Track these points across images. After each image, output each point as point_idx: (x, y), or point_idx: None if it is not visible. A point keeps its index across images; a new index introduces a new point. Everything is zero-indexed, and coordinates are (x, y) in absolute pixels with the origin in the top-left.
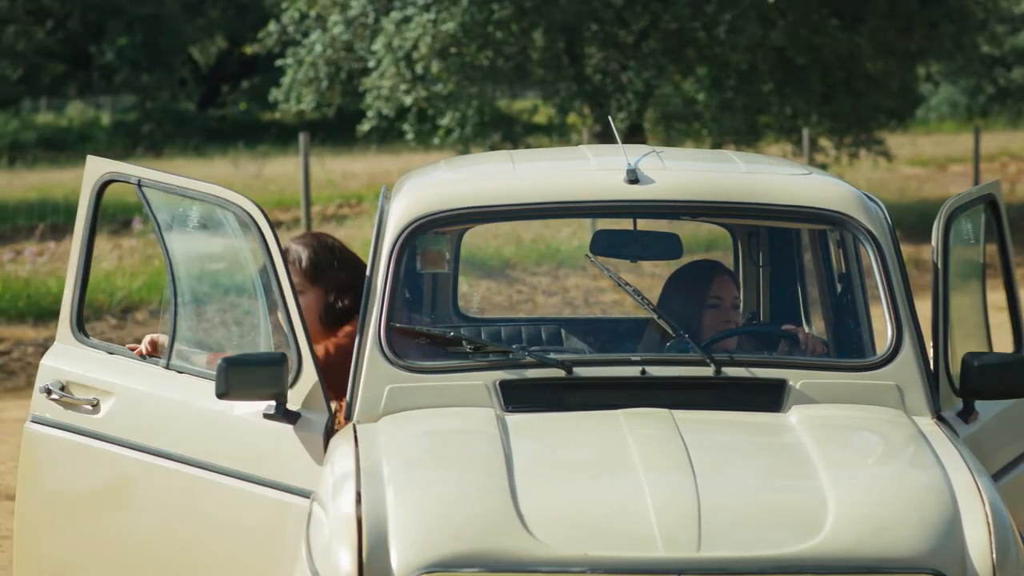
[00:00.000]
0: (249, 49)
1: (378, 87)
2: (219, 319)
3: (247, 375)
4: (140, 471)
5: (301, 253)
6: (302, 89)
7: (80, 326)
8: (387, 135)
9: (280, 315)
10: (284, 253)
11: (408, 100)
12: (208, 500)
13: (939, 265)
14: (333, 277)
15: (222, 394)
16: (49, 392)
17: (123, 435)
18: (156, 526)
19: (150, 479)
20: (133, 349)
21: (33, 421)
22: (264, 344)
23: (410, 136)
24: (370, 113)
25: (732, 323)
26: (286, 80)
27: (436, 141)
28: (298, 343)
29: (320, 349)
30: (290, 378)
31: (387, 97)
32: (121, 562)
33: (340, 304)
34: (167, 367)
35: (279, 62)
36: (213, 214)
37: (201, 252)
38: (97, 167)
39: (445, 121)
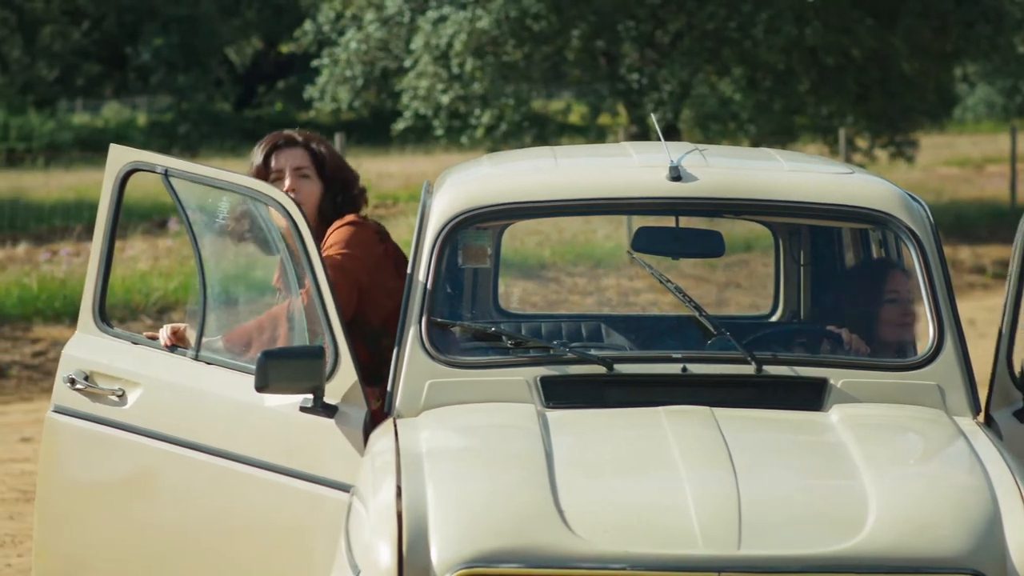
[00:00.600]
0: (285, 48)
1: (414, 87)
2: (248, 311)
3: (286, 368)
4: (169, 462)
5: (319, 145)
6: (337, 88)
7: (103, 315)
8: (423, 135)
9: (316, 308)
10: (298, 139)
11: (445, 99)
12: (239, 492)
13: (1016, 265)
14: (340, 176)
15: (261, 387)
16: (73, 382)
17: (152, 426)
18: (184, 517)
19: (179, 471)
20: (151, 339)
21: (55, 411)
22: (298, 338)
23: (439, 133)
24: (406, 113)
25: (909, 317)
26: (321, 79)
27: (464, 140)
28: (335, 336)
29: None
30: (327, 371)
31: (424, 96)
32: (146, 552)
33: (338, 200)
34: (196, 358)
35: (315, 62)
36: (244, 206)
37: (230, 244)
38: (120, 156)
39: (484, 120)
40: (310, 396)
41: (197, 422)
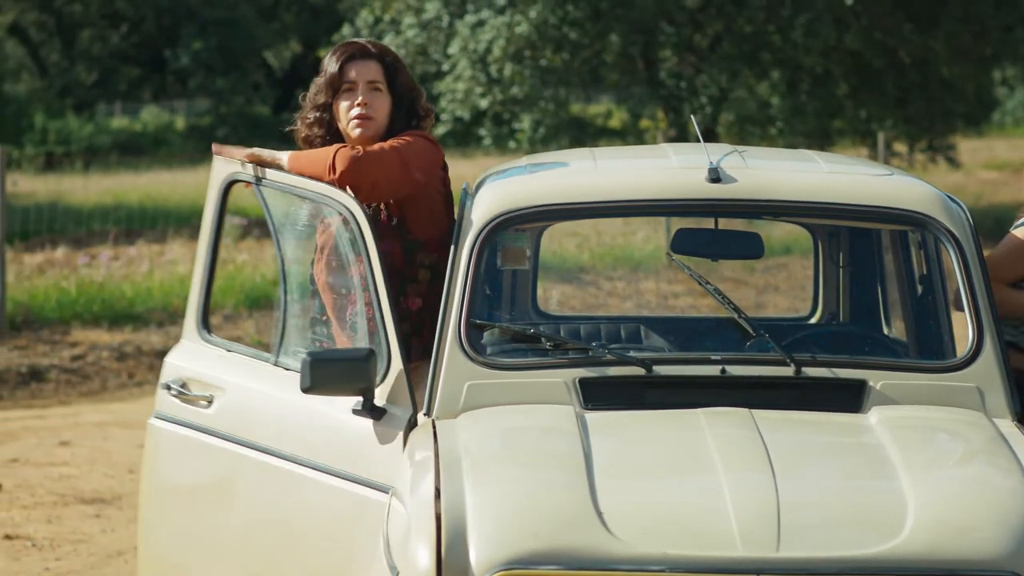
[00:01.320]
0: (324, 54)
1: (453, 90)
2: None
3: (330, 370)
4: (243, 466)
5: (392, 58)
6: None
7: (205, 324)
8: (462, 139)
9: (374, 312)
10: (372, 51)
11: (484, 103)
12: (303, 495)
13: None
14: (409, 91)
15: (307, 389)
16: (169, 388)
17: (228, 430)
18: (256, 521)
19: (251, 474)
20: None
21: (156, 417)
22: (361, 341)
23: (488, 142)
24: (444, 116)
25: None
26: None
27: (512, 145)
28: (388, 340)
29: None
30: (379, 374)
31: (462, 100)
32: (227, 556)
33: (412, 122)
34: (275, 364)
35: None
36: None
37: (308, 250)
38: (222, 168)
39: (524, 125)
40: (360, 399)
41: (268, 426)
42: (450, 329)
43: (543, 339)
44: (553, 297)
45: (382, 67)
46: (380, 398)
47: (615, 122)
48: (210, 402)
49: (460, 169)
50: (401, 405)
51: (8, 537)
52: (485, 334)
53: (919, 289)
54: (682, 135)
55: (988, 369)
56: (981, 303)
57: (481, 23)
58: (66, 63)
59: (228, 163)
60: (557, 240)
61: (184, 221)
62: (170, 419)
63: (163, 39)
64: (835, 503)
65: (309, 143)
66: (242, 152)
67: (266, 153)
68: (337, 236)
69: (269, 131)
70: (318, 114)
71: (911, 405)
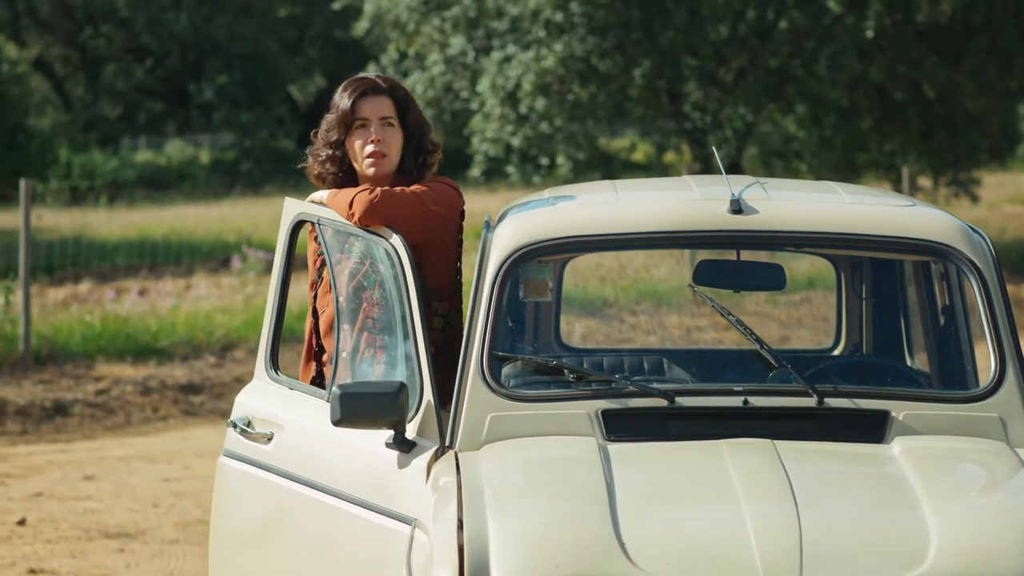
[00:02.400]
0: None
1: (482, 129)
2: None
3: (360, 403)
4: (294, 501)
5: (402, 93)
6: None
7: (274, 363)
8: (490, 174)
9: (410, 346)
10: (384, 87)
11: (516, 141)
12: (341, 530)
13: None
14: (419, 126)
15: (336, 421)
16: (235, 426)
17: (283, 466)
18: (304, 556)
19: (302, 509)
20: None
21: (224, 455)
22: (400, 374)
23: (514, 178)
24: (478, 157)
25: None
26: None
27: (536, 180)
28: (422, 375)
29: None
30: (411, 409)
31: (494, 139)
32: None
33: (419, 159)
34: (328, 400)
35: None
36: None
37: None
38: (292, 208)
39: (560, 160)
40: (391, 432)
41: (322, 464)
42: (472, 361)
43: (565, 371)
44: (576, 331)
45: (394, 102)
46: (411, 431)
47: (639, 156)
48: (269, 439)
49: (485, 203)
50: (430, 438)
51: (32, 572)
52: (508, 366)
53: (942, 320)
54: (707, 169)
55: (1011, 399)
56: (1003, 333)
57: (508, 59)
58: (91, 97)
59: (297, 203)
60: (580, 274)
61: (208, 255)
62: (236, 456)
63: (188, 73)
64: (857, 533)
65: (322, 180)
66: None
67: (317, 195)
68: (372, 269)
69: (293, 165)
70: (331, 151)
71: (934, 435)
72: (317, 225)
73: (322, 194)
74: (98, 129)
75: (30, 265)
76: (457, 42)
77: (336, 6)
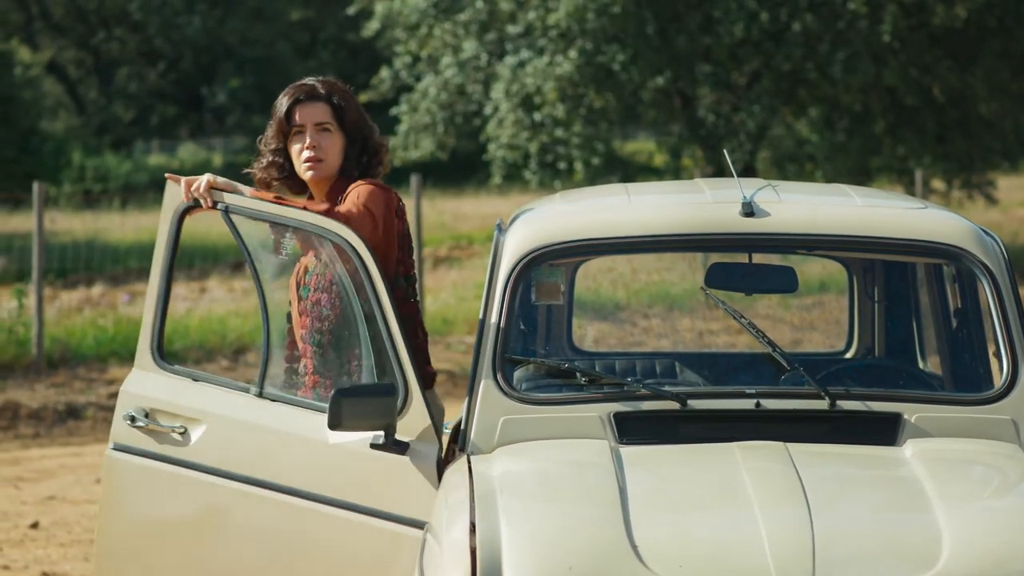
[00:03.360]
0: (364, 97)
1: (497, 136)
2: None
3: (360, 406)
4: (236, 500)
5: (341, 98)
6: (418, 135)
7: (161, 352)
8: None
9: (385, 344)
10: (321, 92)
11: (533, 147)
12: (311, 530)
13: None
14: (361, 129)
15: (335, 425)
16: (133, 420)
17: (218, 464)
18: (254, 555)
19: (248, 509)
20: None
21: (115, 449)
22: (367, 376)
23: (532, 184)
24: (496, 163)
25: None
26: (402, 128)
27: (558, 184)
28: (404, 373)
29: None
30: (398, 408)
31: (510, 145)
32: None
33: (363, 159)
34: (260, 395)
35: (393, 110)
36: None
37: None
38: (177, 192)
39: (578, 166)
40: (381, 433)
41: (266, 460)
42: (485, 364)
43: (578, 374)
44: (589, 334)
45: (330, 107)
46: (401, 432)
47: (656, 160)
48: (183, 433)
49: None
50: (426, 440)
51: (46, 575)
52: (520, 369)
53: (954, 323)
54: (720, 173)
55: (1023, 401)
56: (1016, 336)
57: (522, 64)
58: (104, 101)
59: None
60: (592, 277)
61: (221, 259)
62: (134, 451)
63: (200, 77)
64: (870, 536)
65: (266, 185)
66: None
67: (224, 182)
68: (329, 268)
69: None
70: (272, 157)
71: (946, 438)
72: (225, 214)
73: (239, 186)
74: (111, 132)
75: (43, 268)
76: (469, 45)
77: (351, 10)
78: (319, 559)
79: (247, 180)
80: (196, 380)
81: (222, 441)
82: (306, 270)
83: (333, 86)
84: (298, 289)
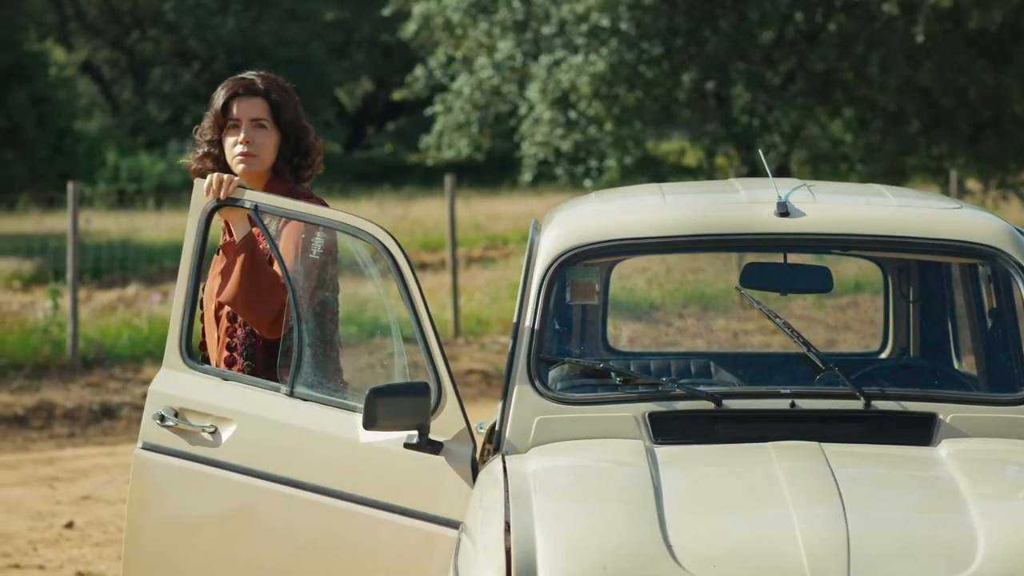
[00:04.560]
0: (398, 95)
1: (532, 134)
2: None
3: (394, 405)
4: (267, 500)
5: (280, 94)
6: (452, 135)
7: (189, 351)
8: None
9: (419, 344)
10: (259, 88)
11: (566, 145)
12: (342, 529)
13: None
14: (296, 128)
15: (369, 424)
16: (163, 419)
17: (248, 463)
18: (285, 554)
19: (278, 508)
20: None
21: (144, 448)
22: (399, 375)
23: (563, 180)
24: (528, 161)
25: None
26: (437, 127)
27: (588, 183)
28: (437, 372)
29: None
30: (432, 407)
31: (544, 143)
32: None
33: (293, 160)
34: (291, 395)
35: (428, 110)
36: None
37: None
38: (204, 193)
39: (610, 163)
40: (415, 433)
41: (297, 459)
42: (519, 364)
43: (612, 374)
44: (623, 334)
45: (267, 104)
46: (435, 432)
47: (690, 160)
48: (213, 433)
49: (531, 207)
50: (460, 440)
51: (81, 574)
52: (554, 369)
53: (989, 322)
54: (754, 173)
55: None
56: None
57: (557, 63)
58: (138, 101)
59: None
60: (627, 277)
61: None
62: (163, 450)
63: None
64: (905, 536)
65: (200, 175)
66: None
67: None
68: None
69: (340, 169)
70: (207, 148)
71: (981, 438)
72: (255, 212)
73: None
74: (145, 132)
75: (78, 268)
76: (504, 45)
77: (386, 11)
78: (351, 559)
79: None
80: (226, 379)
81: (253, 440)
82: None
83: (273, 82)
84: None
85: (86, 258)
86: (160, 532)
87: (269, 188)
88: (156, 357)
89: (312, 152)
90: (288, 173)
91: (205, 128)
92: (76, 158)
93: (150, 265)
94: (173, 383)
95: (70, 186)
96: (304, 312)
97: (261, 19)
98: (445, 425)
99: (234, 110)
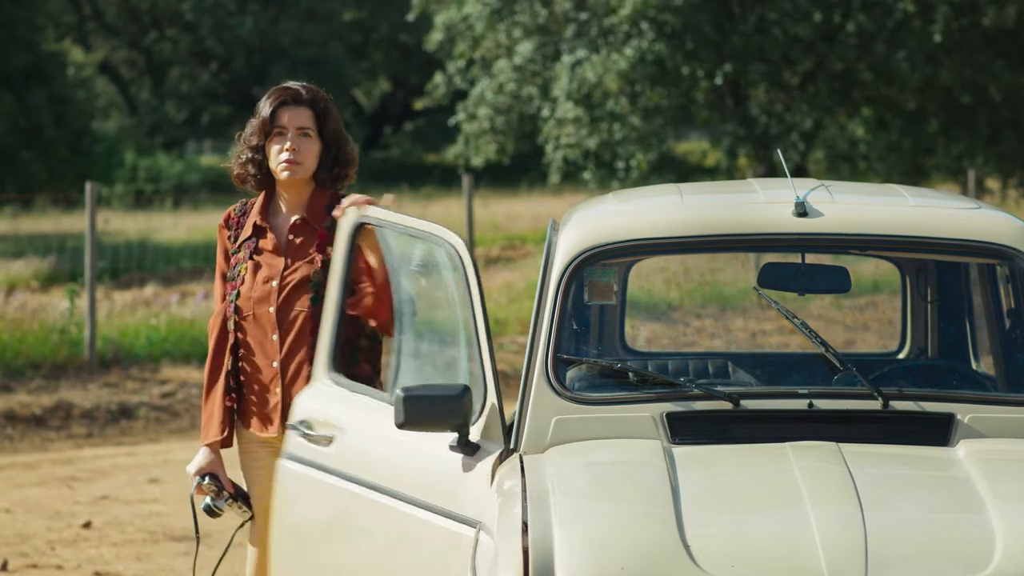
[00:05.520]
0: (420, 105)
1: (557, 136)
2: (431, 355)
3: (423, 406)
4: (356, 504)
5: (324, 105)
6: (479, 140)
7: (332, 365)
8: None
9: (473, 350)
10: (305, 97)
11: (592, 143)
12: (411, 534)
13: None
14: (338, 140)
15: (400, 424)
16: (296, 429)
17: (344, 469)
18: (372, 560)
19: (364, 512)
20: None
21: (284, 457)
22: (463, 378)
23: (593, 183)
24: (555, 164)
25: None
26: (462, 136)
27: (616, 185)
28: (486, 380)
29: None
30: (475, 412)
31: (571, 144)
32: None
33: (334, 170)
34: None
35: (452, 120)
36: (433, 252)
37: (419, 290)
38: (352, 210)
39: (639, 159)
40: (455, 435)
41: (378, 465)
42: (537, 364)
43: (630, 374)
44: (641, 334)
45: (313, 113)
46: (475, 434)
47: (710, 160)
48: (330, 441)
49: (549, 207)
50: (496, 441)
51: (98, 575)
52: (572, 369)
53: (1007, 323)
54: (771, 173)
55: None
56: None
57: (579, 62)
58: (156, 101)
59: (357, 210)
60: (645, 277)
61: None
62: (296, 459)
63: (252, 77)
64: (923, 536)
65: (242, 181)
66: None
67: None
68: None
69: (358, 169)
70: (251, 155)
71: (1000, 438)
72: (379, 228)
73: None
74: (163, 133)
75: (95, 268)
76: (524, 49)
77: (410, 17)
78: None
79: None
80: (353, 392)
81: (351, 448)
82: None
83: (317, 93)
84: None
85: (104, 258)
86: (293, 537)
87: (315, 197)
88: (174, 357)
89: (352, 163)
90: (329, 182)
91: (249, 135)
92: (94, 158)
93: (168, 265)
94: (315, 396)
95: (88, 186)
96: (405, 322)
97: (279, 19)
98: (489, 429)
99: (283, 118)
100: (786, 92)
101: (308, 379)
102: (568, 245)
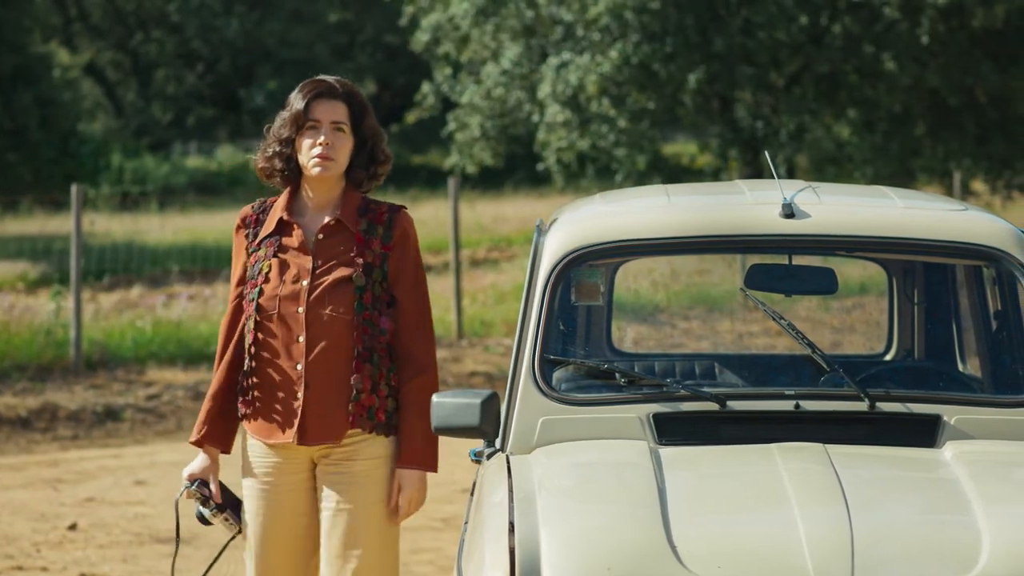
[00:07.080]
0: (412, 118)
1: (550, 142)
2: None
3: (450, 411)
4: None
5: (358, 100)
6: (472, 149)
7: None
8: (539, 179)
9: (511, 358)
10: (339, 91)
11: (584, 145)
12: None
13: None
14: (372, 134)
15: (436, 430)
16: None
17: None
18: None
19: None
20: None
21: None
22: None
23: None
24: (554, 169)
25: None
26: (456, 145)
27: (614, 187)
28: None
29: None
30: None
31: (566, 148)
32: None
33: (369, 169)
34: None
35: (444, 131)
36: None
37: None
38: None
39: (637, 160)
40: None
41: None
42: (524, 364)
43: (617, 375)
44: (628, 335)
45: (348, 108)
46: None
47: (701, 163)
48: None
49: (535, 208)
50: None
51: None
52: (559, 370)
53: (994, 324)
54: (758, 175)
55: None
56: None
57: (565, 64)
58: (142, 103)
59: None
60: (632, 278)
61: None
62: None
63: (238, 79)
64: (909, 537)
65: (267, 175)
66: None
67: None
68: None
69: None
70: (279, 148)
71: (986, 440)
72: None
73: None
74: (149, 134)
75: (81, 270)
76: (511, 53)
77: (402, 22)
78: None
79: None
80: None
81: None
82: None
83: (352, 88)
84: None
85: (90, 260)
86: None
87: (347, 198)
88: (160, 359)
89: (387, 161)
90: (365, 181)
91: (279, 127)
92: (80, 160)
93: (154, 267)
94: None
95: (74, 188)
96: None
97: (265, 21)
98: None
99: (316, 112)
100: (772, 95)
101: (345, 387)
102: (555, 246)
